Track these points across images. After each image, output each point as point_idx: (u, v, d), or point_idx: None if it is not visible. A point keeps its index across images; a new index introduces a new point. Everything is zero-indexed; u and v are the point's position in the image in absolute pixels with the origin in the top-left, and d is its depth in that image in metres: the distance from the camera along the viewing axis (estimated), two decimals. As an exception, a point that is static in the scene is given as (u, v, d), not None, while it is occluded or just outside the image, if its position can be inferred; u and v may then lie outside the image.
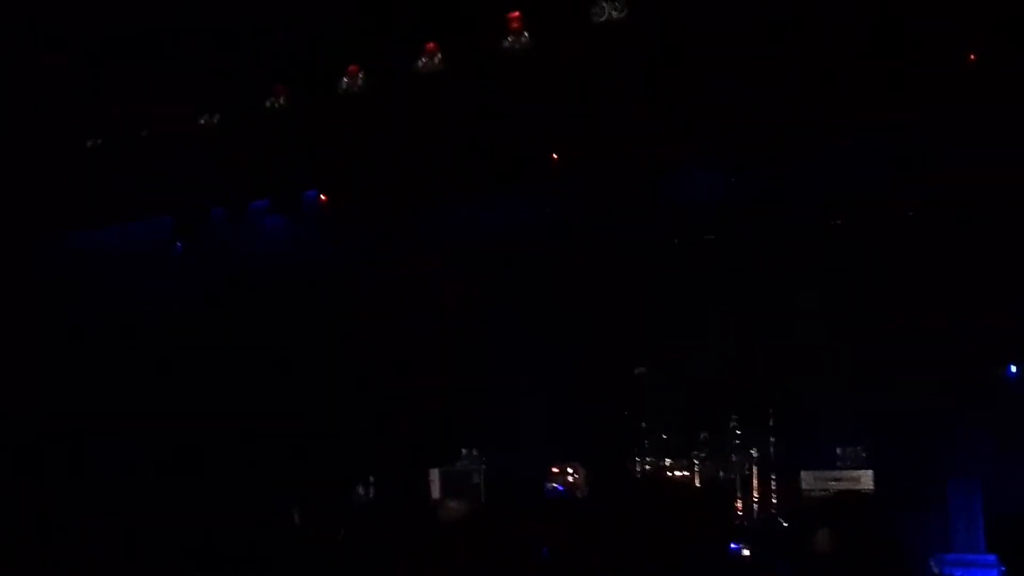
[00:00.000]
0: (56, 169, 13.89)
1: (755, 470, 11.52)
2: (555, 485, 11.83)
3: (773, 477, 11.47)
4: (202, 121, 13.13)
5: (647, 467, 11.98)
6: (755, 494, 11.49)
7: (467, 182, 12.83)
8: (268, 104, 12.85)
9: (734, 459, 11.62)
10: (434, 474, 12.29)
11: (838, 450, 11.26)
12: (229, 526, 11.75)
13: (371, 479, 12.63)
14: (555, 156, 12.61)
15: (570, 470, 11.80)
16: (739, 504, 11.46)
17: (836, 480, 11.13)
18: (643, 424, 12.06)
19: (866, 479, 11.00)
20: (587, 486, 11.75)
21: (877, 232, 11.44)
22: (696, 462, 11.78)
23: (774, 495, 11.41)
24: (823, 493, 11.12)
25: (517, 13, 11.91)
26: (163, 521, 11.92)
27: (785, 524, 11.12)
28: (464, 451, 12.43)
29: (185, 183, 13.54)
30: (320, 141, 12.91)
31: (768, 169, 11.77)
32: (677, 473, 11.85)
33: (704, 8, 11.13)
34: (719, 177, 12.09)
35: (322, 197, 13.69)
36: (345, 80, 12.58)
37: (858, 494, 10.90)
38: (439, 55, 12.24)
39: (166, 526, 11.84)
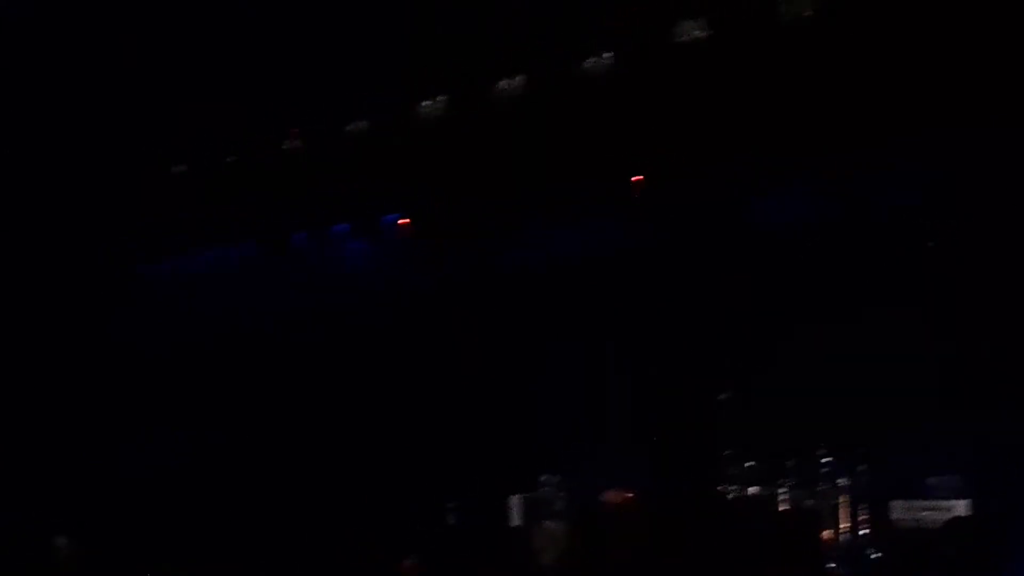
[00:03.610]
0: (141, 196, 14.06)
1: (844, 499, 11.19)
2: None
3: (863, 507, 11.12)
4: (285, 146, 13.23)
5: (732, 496, 11.69)
6: (844, 524, 11.14)
7: (549, 205, 12.75)
8: (349, 128, 12.90)
9: (821, 488, 11.30)
10: (514, 500, 12.13)
11: (931, 479, 10.89)
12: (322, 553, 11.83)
13: (450, 506, 12.50)
14: (638, 178, 12.49)
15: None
16: (828, 534, 11.13)
17: (929, 510, 10.75)
18: (727, 452, 11.78)
19: (961, 508, 10.62)
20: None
21: (969, 250, 11.10)
22: (783, 491, 11.48)
23: (864, 525, 11.06)
24: (915, 523, 10.76)
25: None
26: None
27: (875, 555, 10.78)
28: (544, 477, 12.25)
29: (268, 208, 13.63)
30: (402, 165, 12.92)
31: (852, 189, 11.54)
32: (763, 502, 11.55)
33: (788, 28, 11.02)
34: (803, 198, 11.89)
35: (401, 221, 13.67)
36: (426, 103, 12.60)
37: (953, 524, 10.53)
38: (521, 76, 12.20)
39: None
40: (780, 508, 11.37)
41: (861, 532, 10.95)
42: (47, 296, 14.37)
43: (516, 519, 12.05)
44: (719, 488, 11.65)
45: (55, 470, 13.83)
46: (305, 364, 13.76)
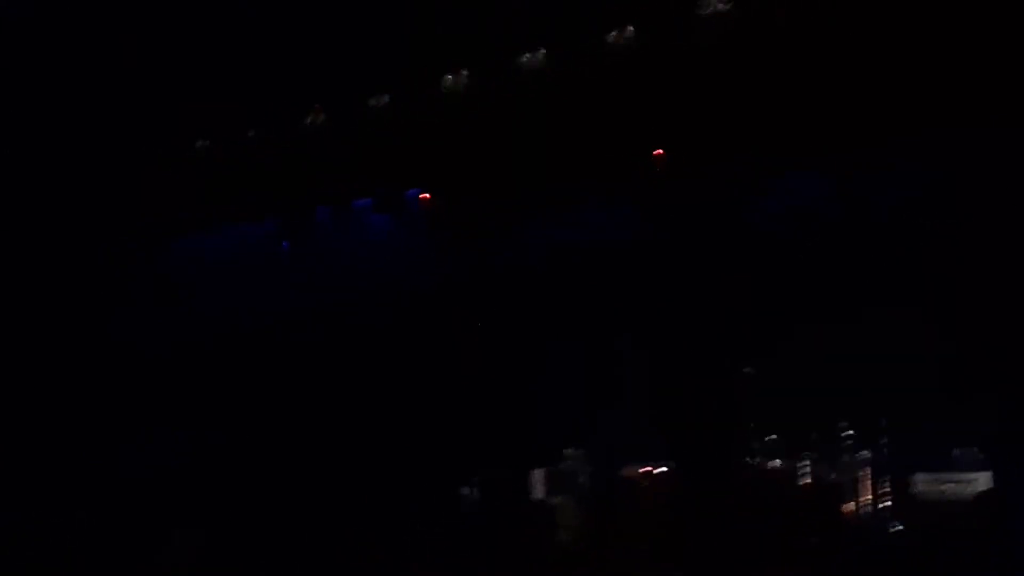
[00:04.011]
0: (164, 172, 14.08)
1: (867, 472, 11.21)
2: None
3: (886, 479, 11.14)
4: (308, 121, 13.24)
5: (756, 468, 11.73)
6: (866, 497, 11.17)
7: (570, 183, 12.75)
8: (371, 103, 12.89)
9: (845, 460, 11.33)
10: (537, 474, 12.18)
11: (954, 451, 10.90)
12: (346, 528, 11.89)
13: (474, 480, 12.56)
14: (660, 152, 12.48)
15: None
16: (850, 507, 11.17)
17: (952, 482, 10.77)
18: (751, 424, 11.81)
19: (984, 481, 10.64)
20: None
21: (985, 229, 11.07)
22: (806, 463, 11.51)
23: (887, 498, 11.09)
24: (938, 496, 10.79)
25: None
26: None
27: (899, 527, 10.81)
28: (568, 451, 12.30)
29: (290, 183, 13.65)
30: (423, 140, 12.91)
31: (879, 171, 11.52)
32: (785, 475, 11.58)
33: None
34: (828, 180, 11.88)
35: (424, 196, 13.68)
36: (449, 78, 12.57)
37: (976, 497, 10.55)
38: (542, 51, 12.16)
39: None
40: (802, 482, 11.42)
41: (883, 505, 11.02)
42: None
43: (540, 492, 12.11)
44: (741, 462, 11.70)
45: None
46: (331, 347, 13.81)
